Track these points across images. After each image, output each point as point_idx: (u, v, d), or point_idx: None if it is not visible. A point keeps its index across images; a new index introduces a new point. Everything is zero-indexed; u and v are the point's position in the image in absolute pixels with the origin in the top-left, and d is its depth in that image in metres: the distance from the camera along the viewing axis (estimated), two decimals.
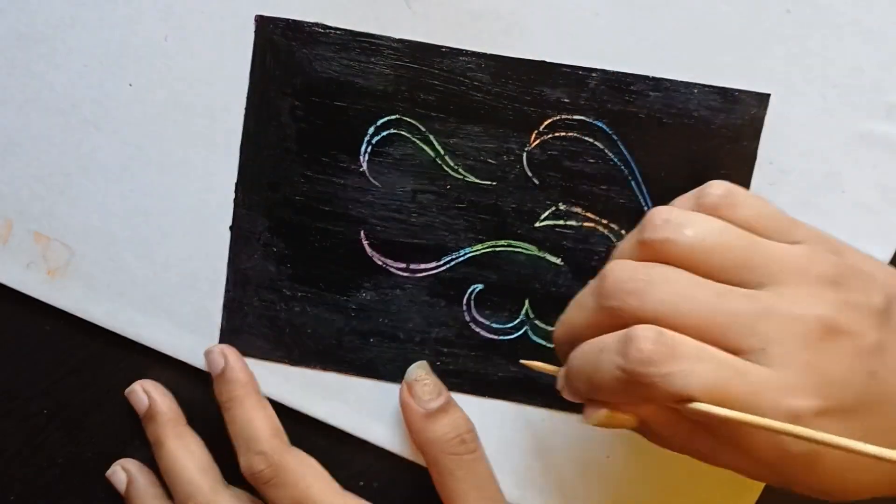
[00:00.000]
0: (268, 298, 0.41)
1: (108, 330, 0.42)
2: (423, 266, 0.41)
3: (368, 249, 0.41)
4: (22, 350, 0.43)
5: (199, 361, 0.42)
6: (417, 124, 0.40)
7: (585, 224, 0.40)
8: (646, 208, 0.39)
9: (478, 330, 0.41)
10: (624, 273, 0.31)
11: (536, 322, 0.40)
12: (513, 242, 0.40)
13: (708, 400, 0.29)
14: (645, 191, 0.39)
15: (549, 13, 0.39)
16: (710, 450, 0.32)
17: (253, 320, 0.41)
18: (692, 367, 0.29)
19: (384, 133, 0.40)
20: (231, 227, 0.41)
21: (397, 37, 0.39)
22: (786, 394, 0.29)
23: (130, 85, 0.41)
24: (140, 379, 0.42)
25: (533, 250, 0.40)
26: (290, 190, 0.41)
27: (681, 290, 0.30)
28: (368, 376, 0.41)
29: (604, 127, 0.39)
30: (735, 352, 0.30)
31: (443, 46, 0.39)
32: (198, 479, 0.40)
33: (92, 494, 0.43)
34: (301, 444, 0.42)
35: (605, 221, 0.40)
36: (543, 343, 0.41)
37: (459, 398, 0.41)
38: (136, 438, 0.43)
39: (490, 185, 0.40)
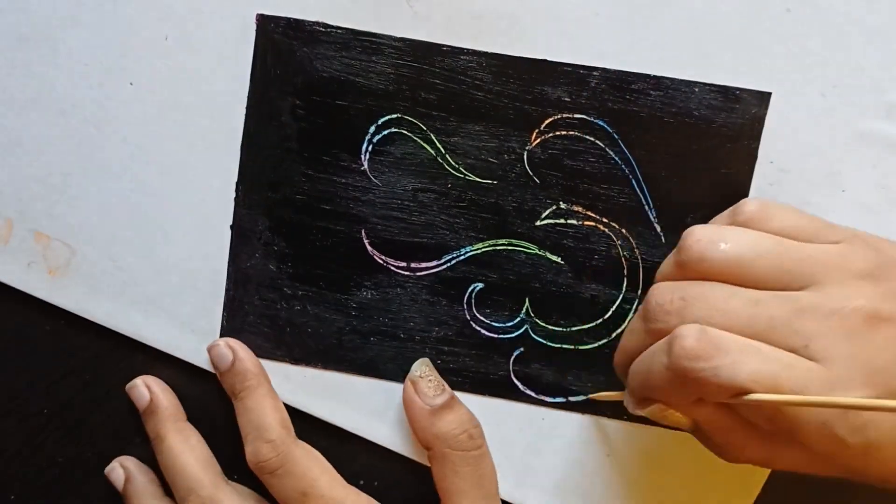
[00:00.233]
0: (268, 297, 0.41)
1: (108, 330, 0.42)
2: (423, 265, 0.41)
3: (369, 248, 0.41)
4: (22, 350, 0.43)
5: (199, 360, 0.42)
6: (418, 123, 0.40)
7: (586, 223, 0.40)
8: (646, 207, 0.39)
9: (478, 328, 0.41)
10: (663, 295, 0.33)
11: (537, 321, 0.40)
12: (513, 241, 0.40)
13: (758, 390, 0.29)
14: (645, 189, 0.39)
15: (550, 12, 0.39)
16: (766, 451, 0.33)
17: (254, 319, 0.41)
18: (739, 359, 0.30)
19: (385, 132, 0.40)
20: (232, 227, 0.41)
21: (398, 36, 0.39)
22: (834, 386, 0.29)
23: (131, 84, 0.41)
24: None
25: (533, 249, 0.40)
26: (291, 189, 0.41)
27: (718, 304, 0.31)
28: (369, 375, 0.41)
29: (605, 126, 0.39)
30: None
31: (444, 45, 0.39)
32: (199, 474, 0.40)
33: (92, 494, 0.43)
34: None
35: (605, 220, 0.40)
36: (544, 342, 0.40)
37: (460, 397, 0.41)
38: (137, 437, 0.43)
39: (491, 183, 0.40)
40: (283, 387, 0.41)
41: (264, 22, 0.40)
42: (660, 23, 0.39)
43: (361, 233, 0.41)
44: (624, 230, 0.40)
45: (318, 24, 0.40)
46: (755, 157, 0.39)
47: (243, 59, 0.40)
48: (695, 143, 0.39)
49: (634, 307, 0.40)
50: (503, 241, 0.40)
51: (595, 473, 0.41)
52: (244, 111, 0.40)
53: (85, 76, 0.41)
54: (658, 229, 0.40)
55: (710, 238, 0.33)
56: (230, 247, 0.41)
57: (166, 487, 0.41)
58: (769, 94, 0.39)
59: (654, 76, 0.39)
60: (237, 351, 0.41)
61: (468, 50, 0.39)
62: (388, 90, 0.40)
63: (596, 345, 0.40)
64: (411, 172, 0.40)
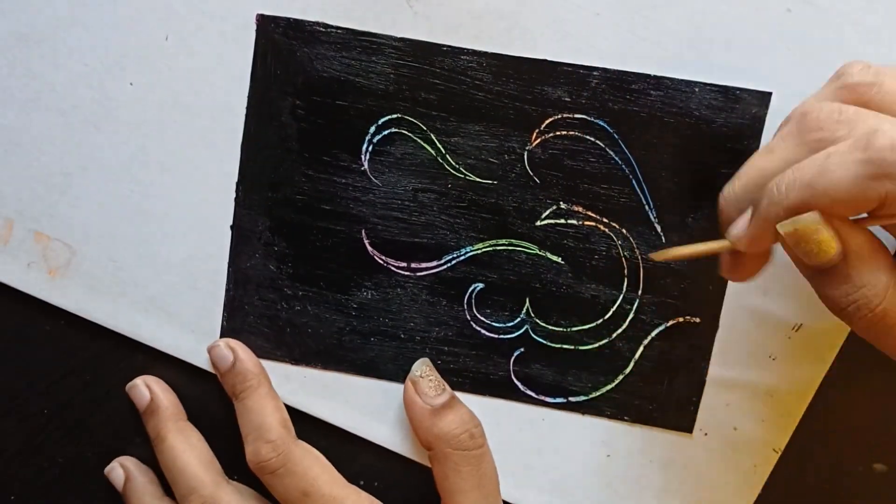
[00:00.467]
0: (269, 298, 0.41)
1: (108, 330, 0.42)
2: (424, 265, 0.41)
3: (369, 248, 0.41)
4: (22, 350, 0.43)
5: (199, 361, 0.42)
6: (419, 123, 0.40)
7: (586, 223, 0.40)
8: (646, 207, 0.39)
9: (478, 329, 0.41)
10: (831, 107, 0.30)
11: (537, 321, 0.40)
12: (514, 241, 0.40)
13: None
14: (646, 189, 0.39)
15: (550, 12, 0.39)
16: None
17: (254, 319, 0.41)
18: None
19: (385, 132, 0.40)
20: (232, 227, 0.41)
21: (398, 36, 0.39)
22: None
23: (131, 84, 0.41)
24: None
25: (534, 249, 0.40)
26: (291, 189, 0.41)
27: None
28: (369, 375, 0.41)
29: (605, 126, 0.39)
30: None
31: (444, 45, 0.39)
32: (200, 474, 0.39)
33: (92, 494, 0.43)
34: None
35: (605, 220, 0.40)
36: (544, 342, 0.41)
37: (460, 397, 0.41)
38: (137, 437, 0.43)
39: (491, 183, 0.40)
40: (283, 387, 0.41)
41: (264, 22, 0.40)
42: (660, 23, 0.39)
43: (362, 233, 0.41)
44: (624, 230, 0.40)
45: (318, 24, 0.40)
46: None
47: (243, 59, 0.40)
48: (695, 143, 0.39)
49: (635, 307, 0.40)
50: (503, 241, 0.40)
51: (595, 473, 0.41)
52: (244, 111, 0.40)
53: (85, 76, 0.41)
54: (658, 229, 0.40)
55: (879, 68, 0.31)
56: (230, 247, 0.41)
57: (167, 487, 0.41)
58: (769, 94, 0.39)
59: (654, 76, 0.39)
60: (237, 351, 0.41)
61: (468, 50, 0.39)
62: (388, 90, 0.40)
63: (596, 345, 0.40)
64: (411, 172, 0.40)
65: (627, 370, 0.41)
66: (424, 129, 0.40)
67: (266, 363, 0.41)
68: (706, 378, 0.40)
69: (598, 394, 0.41)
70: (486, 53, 0.39)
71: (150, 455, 0.42)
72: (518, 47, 0.39)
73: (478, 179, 0.40)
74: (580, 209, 0.40)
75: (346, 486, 0.39)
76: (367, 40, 0.40)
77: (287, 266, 0.41)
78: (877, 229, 0.32)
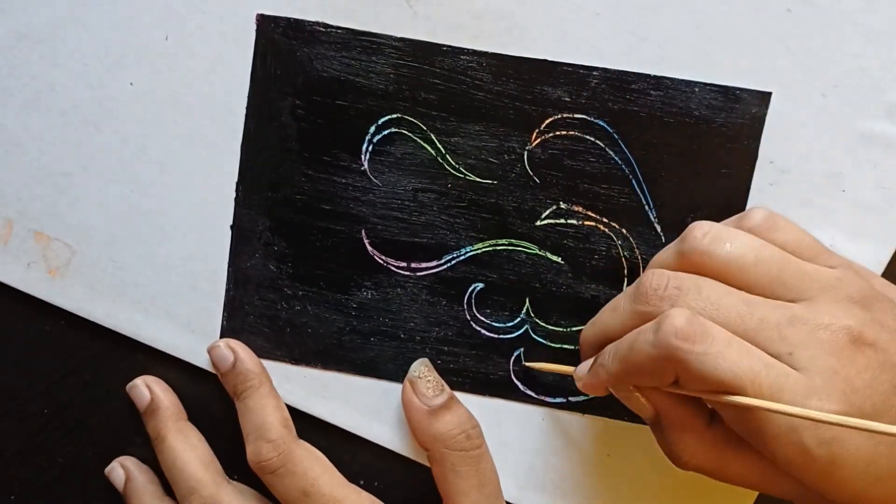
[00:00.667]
0: (268, 298, 0.41)
1: (108, 330, 0.42)
2: (423, 265, 0.41)
3: (369, 248, 0.41)
4: (22, 350, 0.43)
5: (199, 361, 0.42)
6: (419, 123, 0.40)
7: (586, 223, 0.40)
8: (646, 207, 0.39)
9: (478, 329, 0.41)
10: (659, 280, 0.33)
11: (537, 321, 0.40)
12: (514, 241, 0.40)
13: (738, 384, 0.30)
14: (645, 189, 0.39)
15: (550, 12, 0.39)
16: (718, 457, 0.34)
17: (254, 319, 0.41)
18: (724, 350, 0.30)
19: (385, 132, 0.40)
20: (232, 227, 0.41)
21: (398, 36, 0.39)
22: (809, 394, 0.30)
23: (131, 84, 0.41)
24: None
25: (534, 249, 0.40)
26: (291, 189, 0.41)
27: (712, 298, 0.32)
28: (369, 375, 0.41)
29: (605, 126, 0.39)
30: None
31: (444, 45, 0.39)
32: (200, 473, 0.40)
33: (92, 494, 0.43)
34: None
35: (605, 220, 0.40)
36: (544, 342, 0.41)
37: (460, 397, 0.41)
38: (137, 437, 0.42)
39: (491, 183, 0.40)
40: (283, 387, 0.41)
41: (264, 22, 0.40)
42: (660, 23, 0.39)
43: (361, 233, 0.41)
44: (624, 230, 0.40)
45: (318, 24, 0.40)
46: (755, 157, 0.39)
47: (243, 59, 0.40)
48: (695, 143, 0.39)
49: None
50: (503, 241, 0.40)
51: (595, 473, 0.41)
52: (244, 111, 0.40)
53: (85, 76, 0.41)
54: (658, 229, 0.40)
55: (716, 234, 0.33)
56: (230, 247, 0.41)
57: (167, 487, 0.41)
58: (769, 93, 0.39)
59: (654, 76, 0.39)
60: (238, 351, 0.41)
61: (468, 50, 0.39)
62: (388, 90, 0.40)
63: None
64: (411, 172, 0.40)
65: None
66: (424, 129, 0.40)
67: (266, 363, 0.41)
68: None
69: None
70: (486, 53, 0.39)
71: (150, 455, 0.42)
72: (518, 47, 0.39)
73: (478, 179, 0.40)
74: (580, 209, 0.40)
75: (347, 486, 0.39)
76: (367, 40, 0.40)
77: (287, 266, 0.41)
78: None
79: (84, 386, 0.43)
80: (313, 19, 0.40)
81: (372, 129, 0.40)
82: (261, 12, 0.40)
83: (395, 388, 0.41)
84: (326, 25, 0.40)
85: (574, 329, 0.40)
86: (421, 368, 0.40)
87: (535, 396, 0.41)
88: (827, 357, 0.30)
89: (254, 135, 0.41)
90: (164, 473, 0.41)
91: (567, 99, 0.39)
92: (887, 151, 0.39)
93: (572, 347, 0.40)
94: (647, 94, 0.39)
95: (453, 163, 0.40)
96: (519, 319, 0.41)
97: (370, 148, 0.40)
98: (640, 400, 0.34)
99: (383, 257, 0.41)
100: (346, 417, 0.42)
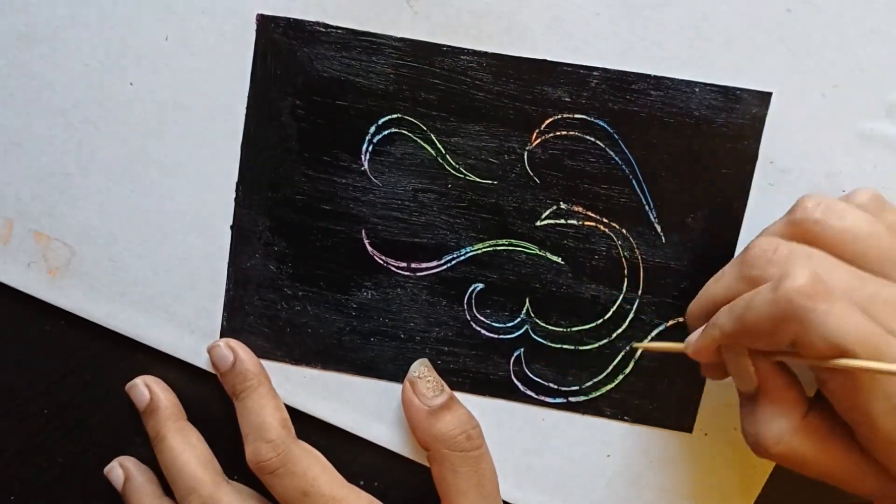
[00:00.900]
0: (268, 298, 0.41)
1: (108, 330, 0.42)
2: (424, 265, 0.40)
3: (369, 248, 0.41)
4: (22, 350, 0.43)
5: (199, 361, 0.42)
6: (419, 123, 0.40)
7: (586, 223, 0.40)
8: (646, 207, 0.39)
9: (478, 329, 0.41)
10: (768, 244, 0.33)
11: (537, 321, 0.40)
12: (514, 241, 0.40)
13: (860, 349, 0.29)
14: (646, 190, 0.39)
15: (550, 12, 0.39)
16: (807, 441, 0.33)
17: (254, 320, 0.41)
18: (847, 312, 0.29)
19: (385, 132, 0.40)
20: (232, 227, 0.41)
21: (398, 36, 0.39)
22: None
23: (131, 84, 0.41)
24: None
25: (534, 249, 0.40)
26: (291, 189, 0.41)
27: (822, 266, 0.31)
28: (369, 375, 0.41)
29: (605, 126, 0.39)
30: None
31: (444, 45, 0.39)
32: (199, 473, 0.40)
33: (92, 494, 0.43)
34: None
35: (605, 220, 0.40)
36: (544, 342, 0.40)
37: (460, 397, 0.41)
38: (137, 438, 0.43)
39: (491, 184, 0.40)
40: (283, 387, 0.41)
41: (264, 22, 0.40)
42: (660, 23, 0.39)
43: (361, 233, 0.41)
44: (624, 230, 0.40)
45: (318, 24, 0.40)
46: (755, 157, 0.39)
47: (243, 59, 0.40)
48: (695, 143, 0.39)
49: (635, 307, 0.40)
50: (503, 241, 0.40)
51: (595, 473, 0.41)
52: (244, 111, 0.40)
53: (85, 76, 0.41)
54: (658, 229, 0.40)
55: (829, 205, 0.33)
56: (230, 247, 0.41)
57: (166, 487, 0.41)
58: (769, 94, 0.39)
59: (654, 76, 0.39)
60: (237, 351, 0.41)
61: (468, 50, 0.39)
62: (388, 90, 0.40)
63: (596, 345, 0.40)
64: (411, 173, 0.40)
65: (627, 370, 0.41)
66: (424, 129, 0.40)
67: (266, 363, 0.41)
68: (706, 378, 0.40)
69: (598, 394, 0.41)
70: (486, 53, 0.39)
71: (150, 455, 0.42)
72: (518, 47, 0.39)
73: (478, 179, 0.40)
74: (580, 209, 0.40)
75: (346, 486, 0.39)
76: (367, 40, 0.39)
77: (287, 266, 0.41)
78: None
79: (84, 386, 0.43)
80: (313, 19, 0.40)
81: (372, 129, 0.40)
82: (261, 12, 0.40)
83: (395, 388, 0.41)
84: (326, 25, 0.39)
85: (574, 329, 0.40)
86: (421, 369, 0.40)
87: (535, 397, 0.41)
88: None
89: (254, 135, 0.40)
90: (163, 473, 0.41)
91: (567, 99, 0.39)
92: (887, 151, 0.39)
93: (572, 347, 0.40)
94: (648, 95, 0.39)
95: (453, 163, 0.40)
96: (519, 320, 0.41)
97: (370, 148, 0.40)
98: (748, 368, 0.33)
99: (383, 257, 0.41)
100: (346, 417, 0.42)
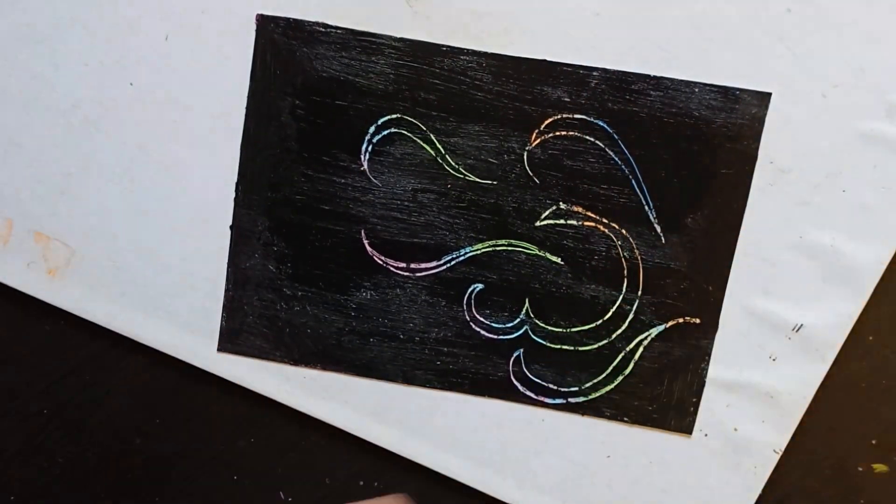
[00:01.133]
0: (268, 298, 0.41)
1: (108, 330, 0.42)
2: (423, 265, 0.41)
3: (369, 249, 0.41)
4: (22, 350, 0.43)
5: (199, 361, 0.42)
6: (418, 123, 0.40)
7: (586, 223, 0.40)
8: (646, 207, 0.39)
9: (478, 329, 0.41)
10: None
11: (536, 321, 0.40)
12: (513, 242, 0.40)
13: None
14: (645, 190, 0.39)
15: (550, 13, 0.39)
16: None
17: (253, 320, 0.41)
18: None
19: (385, 132, 0.40)
20: (231, 227, 0.41)
21: (398, 36, 0.39)
22: None
23: (131, 84, 0.41)
24: (139, 378, 0.42)
25: (533, 250, 0.40)
26: (291, 189, 0.41)
27: None
28: (368, 376, 0.41)
29: (604, 126, 0.39)
30: None
31: (444, 45, 0.39)
32: None
33: (92, 494, 0.43)
34: (301, 443, 0.42)
35: (605, 221, 0.40)
36: (544, 343, 0.41)
37: (459, 398, 0.41)
38: (137, 438, 0.43)
39: (491, 184, 0.40)
40: (282, 387, 0.41)
41: (264, 22, 0.40)
42: (660, 23, 0.39)
43: (361, 233, 0.41)
44: (624, 230, 0.40)
45: (317, 24, 0.40)
46: (755, 158, 0.39)
47: (243, 59, 0.40)
48: (695, 144, 0.39)
49: (634, 308, 0.40)
50: (503, 241, 0.40)
51: (595, 474, 0.41)
52: (244, 111, 0.40)
53: (85, 76, 0.41)
54: (658, 229, 0.40)
55: None
56: (230, 247, 0.41)
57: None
58: (769, 94, 0.39)
59: (654, 76, 0.39)
60: None
61: (468, 50, 0.39)
62: (387, 90, 0.40)
63: (596, 346, 0.40)
64: (411, 173, 0.40)
65: (627, 371, 0.41)
66: (424, 129, 0.40)
67: (265, 364, 0.41)
68: (706, 379, 0.40)
69: (597, 395, 0.41)
70: (485, 53, 0.39)
71: (149, 454, 0.42)
72: (518, 47, 0.39)
73: (477, 180, 0.40)
74: (580, 209, 0.40)
75: None
76: (366, 40, 0.40)
77: (286, 266, 0.41)
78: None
79: (84, 386, 0.43)
80: (313, 19, 0.40)
81: (371, 129, 0.40)
82: (261, 12, 0.40)
83: (395, 388, 0.41)
84: (326, 25, 0.40)
85: (573, 330, 0.40)
86: None
87: (535, 398, 0.41)
88: None
89: (253, 135, 0.41)
90: None
91: (567, 99, 0.39)
92: (887, 151, 0.39)
93: (572, 348, 0.40)
94: (647, 95, 0.39)
95: (453, 163, 0.40)
96: (518, 320, 0.41)
97: (370, 148, 0.40)
98: None
99: (382, 258, 0.41)
100: (346, 417, 0.42)
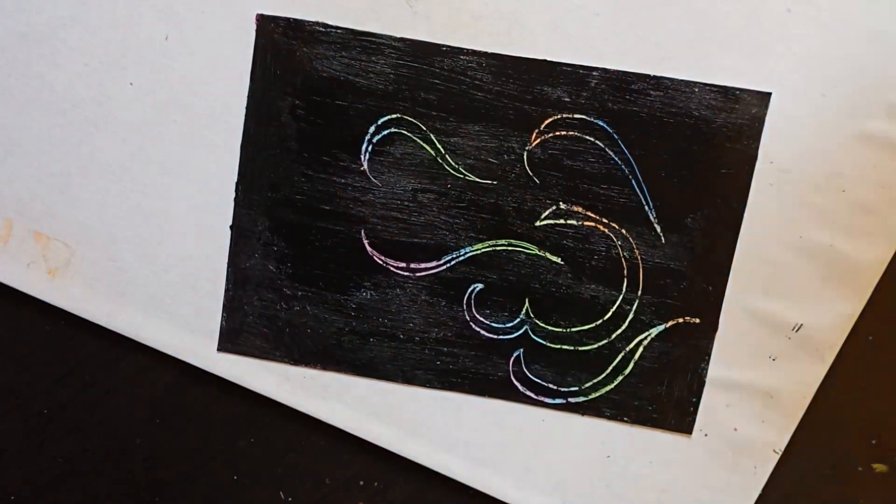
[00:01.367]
0: (268, 298, 0.41)
1: (108, 330, 0.42)
2: (423, 265, 0.41)
3: (368, 249, 0.41)
4: (22, 350, 0.43)
5: (199, 361, 0.42)
6: (418, 123, 0.40)
7: (586, 223, 0.40)
8: (646, 207, 0.39)
9: (478, 329, 0.41)
10: None
11: (536, 321, 0.40)
12: (513, 242, 0.40)
13: None
14: (645, 190, 0.39)
15: (550, 12, 0.39)
16: None
17: (253, 320, 0.42)
18: None
19: (385, 132, 0.40)
20: (231, 227, 0.41)
21: (398, 36, 0.39)
22: None
23: (131, 84, 0.41)
24: (139, 379, 0.42)
25: (533, 249, 0.40)
26: (291, 189, 0.41)
27: None
28: (368, 376, 0.41)
29: (604, 126, 0.39)
30: None
31: (444, 45, 0.39)
32: None
33: (92, 494, 0.43)
34: (301, 444, 0.42)
35: (605, 220, 0.40)
36: (544, 342, 0.41)
37: (459, 398, 0.41)
38: (137, 438, 0.43)
39: (491, 184, 0.40)
40: (282, 387, 0.42)
41: (264, 22, 0.40)
42: (660, 23, 0.39)
43: (361, 233, 0.41)
44: (624, 230, 0.40)
45: (317, 24, 0.40)
46: (755, 157, 0.39)
47: (243, 59, 0.40)
48: (695, 144, 0.39)
49: (634, 308, 0.40)
50: (503, 241, 0.40)
51: (595, 474, 0.41)
52: (244, 111, 0.41)
53: (85, 76, 0.41)
54: (658, 229, 0.40)
55: None
56: (230, 247, 0.41)
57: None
58: (769, 94, 0.39)
59: (654, 76, 0.39)
60: None
61: (468, 50, 0.39)
62: (387, 90, 0.40)
63: (596, 346, 0.40)
64: (411, 173, 0.40)
65: (627, 371, 0.41)
66: (424, 129, 0.40)
67: (265, 363, 0.42)
68: (706, 379, 0.40)
69: (597, 395, 0.41)
70: (485, 53, 0.39)
71: (149, 454, 0.42)
72: (518, 47, 0.39)
73: (477, 179, 0.40)
74: (580, 209, 0.40)
75: None
76: (366, 40, 0.40)
77: (286, 266, 0.41)
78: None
79: (84, 386, 0.43)
80: (313, 19, 0.40)
81: (372, 129, 0.40)
82: (261, 12, 0.40)
83: (395, 388, 0.41)
84: (326, 25, 0.40)
85: (573, 329, 0.40)
86: None
87: (535, 397, 0.41)
88: None
89: (253, 135, 0.41)
90: None
91: (567, 99, 0.39)
92: (888, 152, 0.39)
93: (572, 348, 0.41)
94: (647, 95, 0.39)
95: (453, 163, 0.40)
96: (518, 320, 0.41)
97: (370, 148, 0.40)
98: None
99: (382, 258, 0.41)
100: (346, 417, 0.42)
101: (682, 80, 0.39)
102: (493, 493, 0.42)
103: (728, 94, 0.39)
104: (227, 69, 0.40)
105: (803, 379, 0.40)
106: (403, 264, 0.41)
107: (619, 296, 0.40)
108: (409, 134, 0.40)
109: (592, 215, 0.40)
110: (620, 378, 0.41)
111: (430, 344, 0.41)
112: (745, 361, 0.40)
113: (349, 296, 0.41)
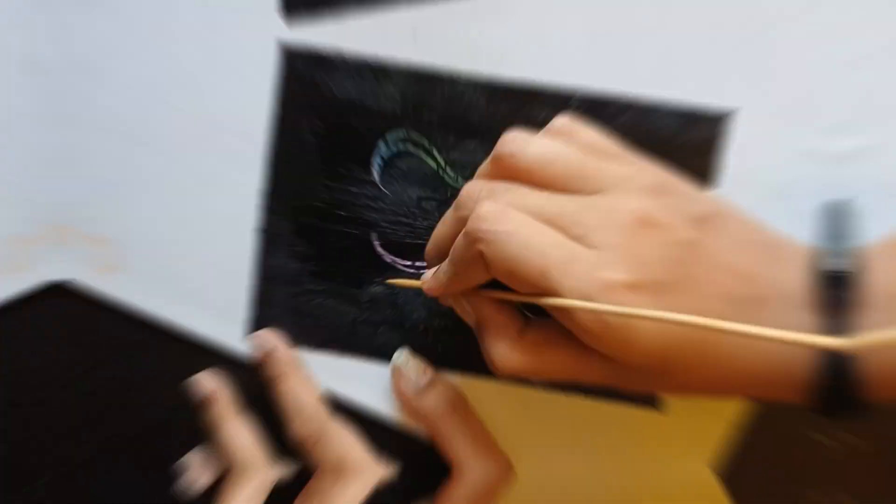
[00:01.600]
0: (291, 292, 0.43)
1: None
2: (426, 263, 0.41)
3: (379, 249, 0.42)
4: (25, 350, 0.43)
5: (232, 346, 0.43)
6: (422, 140, 0.41)
7: None
8: None
9: None
10: (474, 186, 0.34)
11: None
12: None
13: (526, 255, 0.30)
14: None
15: (536, 40, 0.40)
16: (532, 354, 0.33)
17: (278, 311, 0.43)
18: (519, 229, 0.31)
19: (393, 148, 0.41)
20: (260, 231, 0.43)
21: (405, 64, 0.40)
22: (599, 267, 0.30)
23: (173, 106, 0.42)
24: (143, 377, 0.43)
25: None
26: (312, 198, 0.42)
27: (517, 197, 0.32)
28: (379, 360, 0.43)
29: None
30: None
31: (444, 74, 0.40)
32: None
33: (96, 493, 0.43)
34: None
35: None
36: None
37: (461, 380, 0.42)
38: (139, 434, 0.43)
39: None
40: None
41: (288, 52, 0.41)
42: (627, 44, 0.39)
43: (373, 236, 0.42)
44: None
45: (335, 54, 0.41)
46: (716, 174, 0.39)
47: (269, 85, 0.41)
48: (662, 162, 0.36)
49: None
50: None
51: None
52: (271, 131, 0.41)
53: (133, 100, 0.42)
54: None
55: (523, 139, 0.33)
56: (258, 248, 0.43)
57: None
58: (729, 113, 0.39)
59: (623, 99, 0.39)
60: (273, 342, 0.42)
61: (464, 77, 0.40)
62: (395, 111, 0.41)
63: None
64: (416, 183, 0.41)
65: None
66: (427, 145, 0.41)
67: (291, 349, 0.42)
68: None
69: None
70: (479, 79, 0.40)
71: (150, 453, 0.42)
72: (510, 70, 0.40)
73: None
74: None
75: (375, 460, 0.41)
76: (377, 68, 0.41)
77: (308, 264, 0.42)
78: None
79: (84, 385, 0.43)
80: (330, 47, 0.41)
81: (382, 145, 0.41)
82: (284, 42, 0.41)
83: None
84: (342, 56, 0.41)
85: None
86: (403, 356, 0.42)
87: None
88: (617, 236, 0.31)
89: (279, 151, 0.42)
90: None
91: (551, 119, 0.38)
92: (831, 167, 0.39)
93: None
94: (618, 117, 0.39)
95: (452, 175, 0.41)
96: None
97: (380, 162, 0.41)
98: (465, 305, 0.35)
99: (391, 257, 0.42)
100: (360, 395, 0.43)
101: (648, 101, 0.39)
102: None
103: (689, 115, 0.39)
104: (254, 93, 0.41)
105: None
106: (409, 262, 0.42)
107: None
108: (414, 149, 0.41)
109: None
110: None
111: (433, 332, 0.42)
112: None
113: (362, 290, 0.42)
